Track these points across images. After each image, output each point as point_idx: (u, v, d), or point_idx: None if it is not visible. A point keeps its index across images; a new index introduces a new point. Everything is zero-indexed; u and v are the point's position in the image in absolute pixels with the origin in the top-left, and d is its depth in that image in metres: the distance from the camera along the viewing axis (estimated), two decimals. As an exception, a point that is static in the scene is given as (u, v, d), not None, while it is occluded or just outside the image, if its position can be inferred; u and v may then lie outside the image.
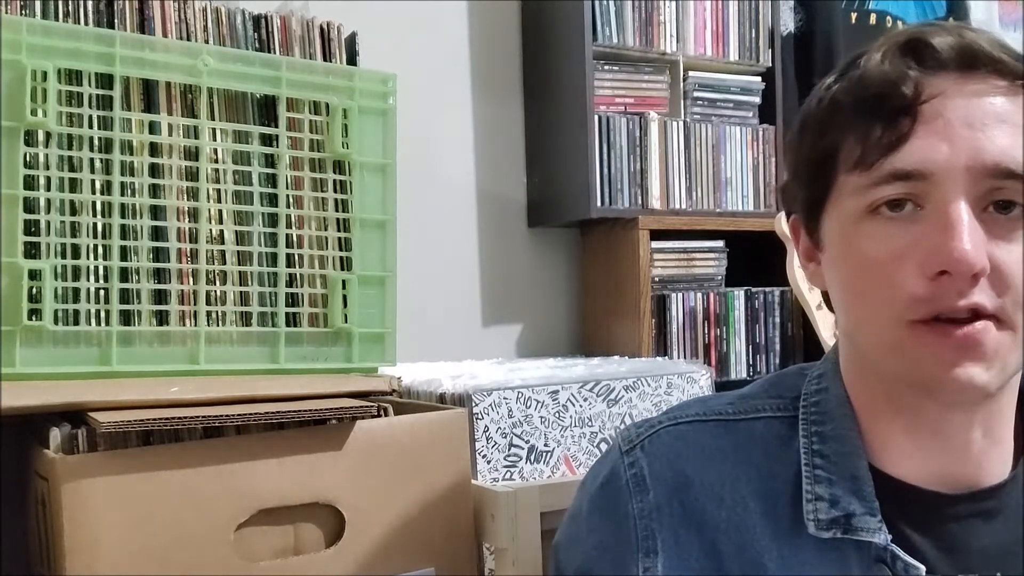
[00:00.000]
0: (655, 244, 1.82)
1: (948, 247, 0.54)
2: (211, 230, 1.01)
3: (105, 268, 0.96)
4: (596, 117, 1.81)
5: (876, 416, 0.63)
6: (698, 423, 0.67)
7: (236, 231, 1.03)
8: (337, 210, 1.08)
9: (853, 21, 2.21)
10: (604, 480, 0.68)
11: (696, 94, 1.95)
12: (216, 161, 1.02)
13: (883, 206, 0.57)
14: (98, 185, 0.96)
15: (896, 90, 0.57)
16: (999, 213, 0.56)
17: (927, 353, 0.56)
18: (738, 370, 1.91)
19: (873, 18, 2.24)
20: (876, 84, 0.58)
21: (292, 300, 1.05)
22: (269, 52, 1.07)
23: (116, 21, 0.99)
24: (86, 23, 0.98)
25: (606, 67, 1.85)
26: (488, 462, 1.05)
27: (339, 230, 1.08)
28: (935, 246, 0.55)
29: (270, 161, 1.05)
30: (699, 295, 1.87)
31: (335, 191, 1.08)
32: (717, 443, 0.66)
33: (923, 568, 0.59)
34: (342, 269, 1.08)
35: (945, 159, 0.55)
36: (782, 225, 1.67)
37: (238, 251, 1.03)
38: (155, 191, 0.99)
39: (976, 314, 0.55)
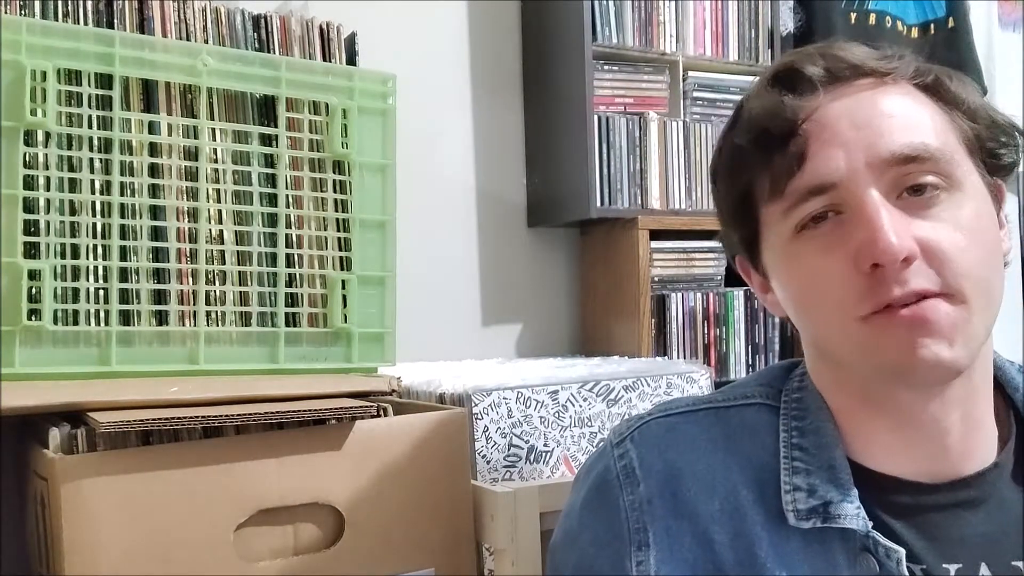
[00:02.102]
0: (655, 244, 1.82)
1: (873, 240, 0.56)
2: (211, 230, 1.01)
3: (104, 268, 0.96)
4: (596, 117, 1.80)
5: (854, 417, 0.64)
6: (688, 413, 0.68)
7: (236, 231, 1.03)
8: (337, 210, 1.08)
9: (853, 21, 2.21)
10: (595, 476, 0.68)
11: (696, 94, 1.95)
12: (216, 161, 1.02)
13: (808, 223, 0.60)
14: (98, 185, 0.96)
15: (778, 119, 0.61)
16: (914, 196, 0.58)
17: (886, 340, 0.57)
18: (738, 370, 1.91)
19: (873, 18, 2.24)
20: (760, 119, 0.62)
21: (292, 300, 1.05)
22: (269, 52, 1.07)
23: (116, 21, 1.00)
24: (85, 23, 0.98)
25: (606, 67, 1.85)
26: (488, 462, 1.05)
27: (339, 230, 1.08)
28: (862, 243, 0.57)
29: (270, 161, 1.05)
30: (699, 295, 1.87)
31: (335, 191, 1.08)
32: (707, 433, 0.66)
33: (903, 551, 0.59)
34: (342, 269, 1.08)
35: (845, 164, 0.59)
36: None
37: (238, 251, 1.03)
38: (155, 191, 0.99)
39: (921, 297, 0.56)
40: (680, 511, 0.63)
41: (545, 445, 1.10)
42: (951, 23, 2.27)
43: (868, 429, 0.63)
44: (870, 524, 0.60)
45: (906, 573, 0.59)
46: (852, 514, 0.60)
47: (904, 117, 0.60)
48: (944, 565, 0.60)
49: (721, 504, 0.63)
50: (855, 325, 0.58)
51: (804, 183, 0.60)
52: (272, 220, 1.05)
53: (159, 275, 0.99)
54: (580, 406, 1.12)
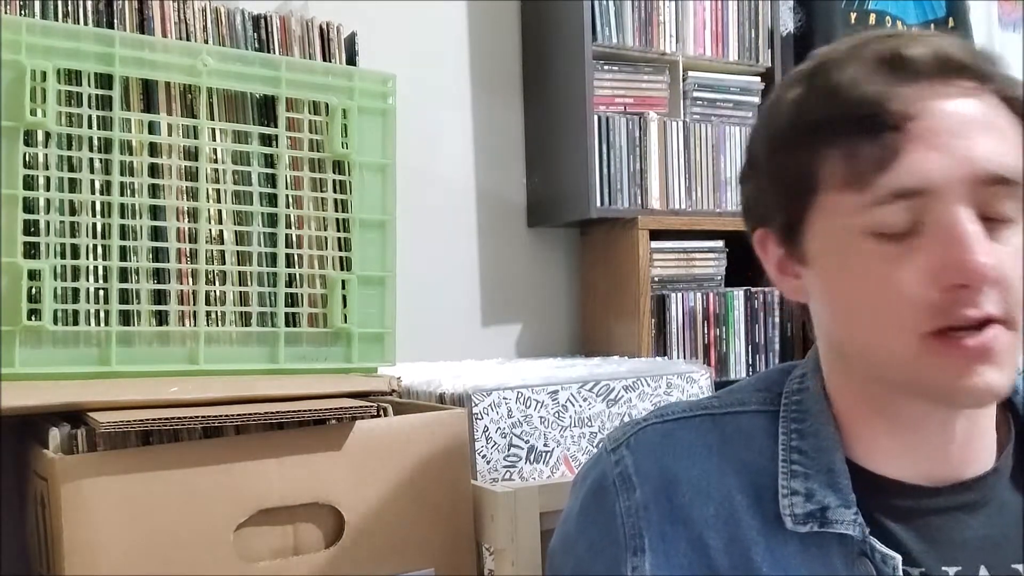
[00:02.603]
0: (655, 244, 1.82)
1: (963, 260, 0.54)
2: (211, 230, 1.01)
3: (104, 268, 0.96)
4: (596, 117, 1.80)
5: (860, 419, 0.64)
6: (684, 419, 0.68)
7: (236, 231, 1.03)
8: (337, 210, 1.08)
9: (853, 21, 2.21)
10: (591, 482, 0.68)
11: (696, 94, 1.95)
12: (216, 161, 1.02)
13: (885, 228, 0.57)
14: (98, 185, 0.96)
15: (882, 107, 0.56)
16: (990, 218, 0.56)
17: (944, 364, 0.56)
18: (738, 370, 1.91)
19: (873, 18, 2.24)
20: (858, 101, 0.57)
21: (291, 300, 1.05)
22: (269, 52, 1.07)
23: (116, 21, 0.99)
24: (85, 23, 0.98)
25: (606, 67, 1.85)
26: (488, 462, 1.05)
27: (339, 230, 1.08)
28: (947, 259, 0.54)
29: (269, 161, 1.05)
30: (699, 295, 1.87)
31: (335, 191, 1.08)
32: (703, 439, 0.66)
33: (899, 558, 0.59)
34: (342, 269, 1.08)
35: (942, 172, 0.55)
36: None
37: (237, 251, 1.03)
38: (155, 191, 0.99)
39: (987, 322, 0.55)
40: (675, 517, 0.63)
41: (545, 445, 1.10)
42: (951, 23, 2.27)
43: (874, 433, 0.63)
44: (867, 530, 0.60)
45: None
46: (849, 520, 0.60)
47: (1000, 134, 0.57)
48: (943, 568, 0.60)
49: (716, 509, 0.63)
50: (914, 340, 0.56)
51: (895, 182, 0.55)
52: (272, 220, 1.04)
53: (159, 275, 0.99)
54: (580, 406, 1.12)
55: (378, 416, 0.92)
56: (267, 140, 1.05)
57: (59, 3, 0.97)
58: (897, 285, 0.56)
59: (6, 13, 0.93)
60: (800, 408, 0.66)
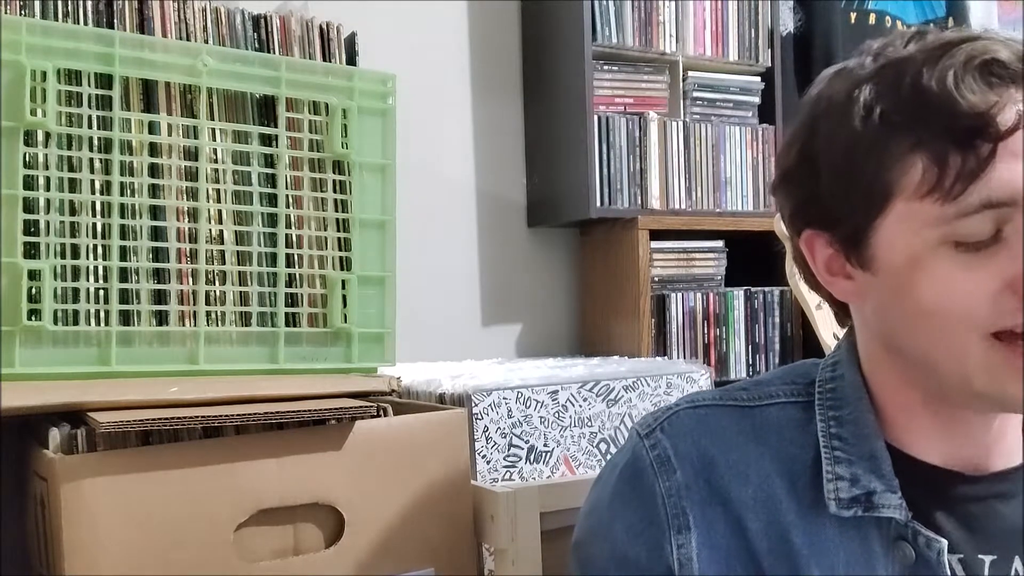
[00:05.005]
0: (655, 244, 1.82)
1: None
2: (210, 230, 1.01)
3: (104, 268, 0.96)
4: (596, 117, 1.81)
5: (904, 409, 0.64)
6: (715, 407, 0.68)
7: (235, 231, 1.03)
8: (337, 210, 1.08)
9: (852, 21, 2.21)
10: (625, 465, 0.68)
11: (696, 94, 1.95)
12: (215, 161, 1.02)
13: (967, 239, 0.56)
14: (97, 185, 0.96)
15: (982, 118, 0.54)
16: None
17: (1009, 371, 0.56)
18: (738, 370, 1.91)
19: (872, 18, 2.24)
20: (954, 109, 0.54)
21: (291, 300, 1.05)
22: (269, 52, 1.07)
23: (116, 21, 0.99)
24: (85, 23, 0.98)
25: (606, 67, 1.85)
26: (488, 462, 1.05)
27: (339, 230, 1.08)
28: None
29: (269, 161, 1.05)
30: (699, 295, 1.87)
31: (334, 191, 1.08)
32: (737, 426, 0.66)
33: (944, 542, 0.60)
34: (342, 269, 1.08)
35: None
36: (781, 226, 1.67)
37: (237, 251, 1.03)
38: (154, 191, 0.99)
39: None
40: (713, 498, 0.64)
41: (545, 445, 1.10)
42: (951, 23, 2.27)
43: (917, 423, 0.64)
44: (910, 514, 0.61)
45: (946, 564, 0.59)
46: (895, 504, 0.61)
47: None
48: (980, 556, 0.61)
49: (754, 492, 0.63)
50: (981, 342, 0.56)
51: (985, 194, 0.54)
52: (272, 220, 1.04)
53: (159, 275, 0.99)
54: (580, 406, 1.12)
55: (378, 416, 0.92)
56: (267, 140, 1.05)
57: (59, 3, 0.97)
58: (971, 291, 0.55)
59: (6, 13, 0.93)
60: (836, 396, 0.66)
